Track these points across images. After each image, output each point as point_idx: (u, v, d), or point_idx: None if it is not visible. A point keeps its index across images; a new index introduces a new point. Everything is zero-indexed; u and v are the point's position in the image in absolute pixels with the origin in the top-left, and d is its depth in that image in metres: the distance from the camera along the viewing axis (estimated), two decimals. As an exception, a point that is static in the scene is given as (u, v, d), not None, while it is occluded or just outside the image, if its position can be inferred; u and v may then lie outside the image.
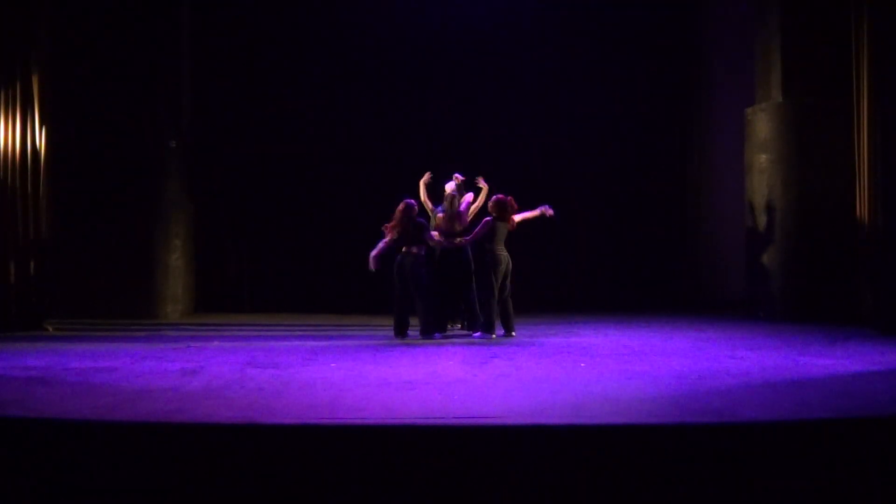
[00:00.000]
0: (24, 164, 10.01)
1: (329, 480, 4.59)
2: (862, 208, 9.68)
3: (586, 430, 4.75)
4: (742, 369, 6.82)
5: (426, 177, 9.87)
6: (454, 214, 9.57)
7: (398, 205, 9.17)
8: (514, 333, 9.32)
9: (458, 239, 9.38)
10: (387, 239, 9.05)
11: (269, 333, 9.87)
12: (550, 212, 9.54)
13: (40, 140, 10.15)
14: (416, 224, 9.14)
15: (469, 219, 9.65)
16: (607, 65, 13.39)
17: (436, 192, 9.99)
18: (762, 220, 11.26)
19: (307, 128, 13.17)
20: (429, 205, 9.78)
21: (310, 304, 12.72)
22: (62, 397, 5.67)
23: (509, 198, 9.25)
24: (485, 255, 9.28)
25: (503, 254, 9.28)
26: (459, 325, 10.01)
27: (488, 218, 9.27)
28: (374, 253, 9.02)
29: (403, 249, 9.17)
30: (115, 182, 11.55)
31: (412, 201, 9.23)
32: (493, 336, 9.16)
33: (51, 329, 9.96)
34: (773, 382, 6.20)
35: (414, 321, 9.33)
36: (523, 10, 13.37)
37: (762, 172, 11.27)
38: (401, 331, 9.18)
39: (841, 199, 10.33)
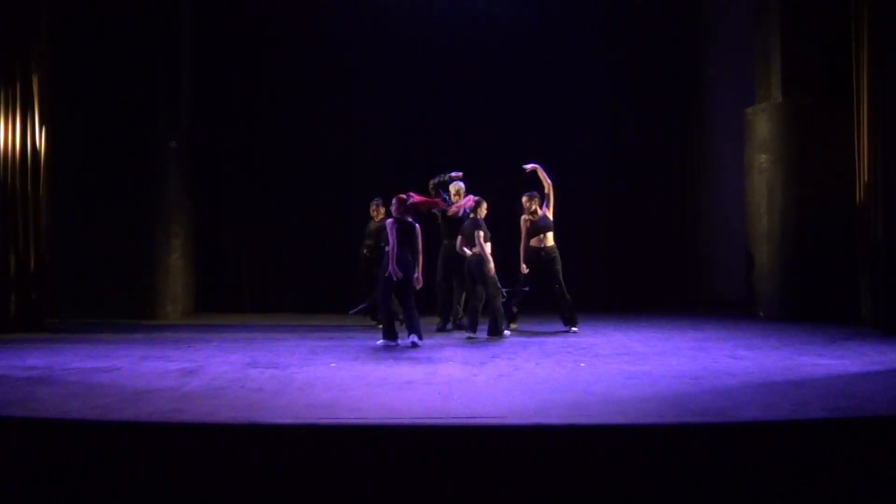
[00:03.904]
0: (24, 164, 10.01)
1: (329, 480, 4.59)
2: (862, 209, 9.67)
3: (586, 430, 4.76)
4: (742, 369, 6.82)
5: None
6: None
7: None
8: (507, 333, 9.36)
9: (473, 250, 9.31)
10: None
11: (269, 333, 9.87)
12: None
13: (40, 140, 10.15)
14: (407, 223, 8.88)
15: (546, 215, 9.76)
16: (607, 64, 13.38)
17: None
18: (762, 220, 11.25)
19: (307, 128, 13.15)
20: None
21: (310, 304, 12.71)
22: (62, 397, 5.67)
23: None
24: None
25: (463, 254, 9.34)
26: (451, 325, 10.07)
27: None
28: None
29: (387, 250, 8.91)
30: (115, 182, 11.54)
31: (403, 196, 9.00)
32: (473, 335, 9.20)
33: (49, 328, 9.95)
34: (773, 382, 6.21)
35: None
36: (523, 9, 13.36)
37: (762, 172, 11.27)
38: (391, 335, 8.92)
39: (841, 200, 10.32)
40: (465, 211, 10.05)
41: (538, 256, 9.70)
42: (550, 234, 9.76)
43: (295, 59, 13.16)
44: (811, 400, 5.51)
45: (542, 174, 9.89)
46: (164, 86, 11.95)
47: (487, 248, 9.25)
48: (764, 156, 11.26)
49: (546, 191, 9.87)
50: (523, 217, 9.84)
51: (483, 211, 9.42)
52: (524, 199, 9.84)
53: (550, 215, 9.82)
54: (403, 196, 8.92)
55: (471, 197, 9.60)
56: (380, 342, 8.77)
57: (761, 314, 11.12)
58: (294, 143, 13.13)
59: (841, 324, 9.84)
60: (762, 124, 11.30)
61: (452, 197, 10.10)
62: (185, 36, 12.50)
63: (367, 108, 13.27)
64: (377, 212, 10.58)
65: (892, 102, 9.21)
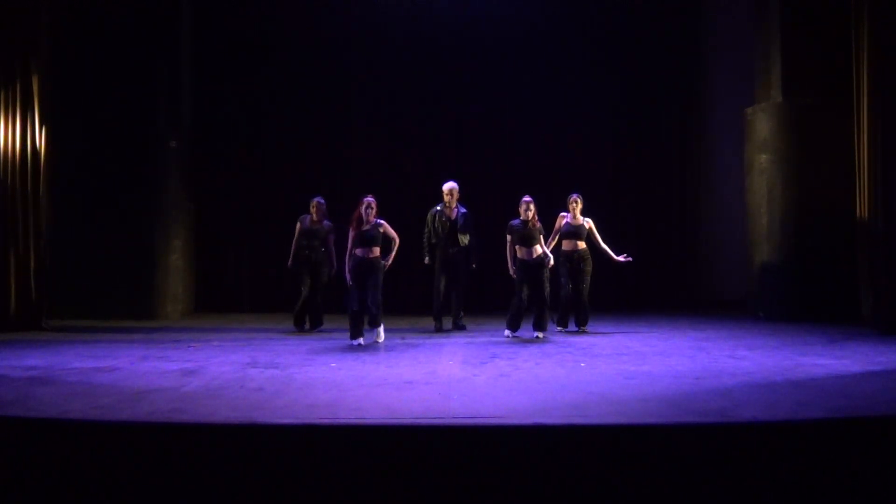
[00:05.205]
0: (24, 164, 10.02)
1: (329, 480, 4.59)
2: (862, 208, 9.67)
3: (586, 430, 4.75)
4: (742, 369, 6.82)
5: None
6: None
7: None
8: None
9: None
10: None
11: (269, 333, 9.87)
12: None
13: (40, 140, 10.15)
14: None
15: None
16: (608, 65, 13.38)
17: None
18: (762, 219, 11.26)
19: (307, 127, 13.16)
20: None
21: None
22: (62, 397, 5.67)
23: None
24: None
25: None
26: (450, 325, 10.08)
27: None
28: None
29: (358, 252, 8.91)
30: (115, 182, 11.55)
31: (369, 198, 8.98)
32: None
33: (49, 329, 9.95)
34: (773, 382, 6.20)
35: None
36: (523, 9, 13.35)
37: (762, 172, 11.28)
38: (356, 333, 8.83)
39: (841, 199, 10.32)
40: (459, 212, 10.05)
41: (570, 258, 9.78)
42: (583, 242, 9.85)
43: (295, 59, 13.16)
44: (811, 400, 5.51)
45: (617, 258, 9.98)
46: (164, 86, 11.95)
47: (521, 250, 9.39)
48: (764, 156, 11.26)
49: (607, 251, 9.95)
50: (564, 216, 9.85)
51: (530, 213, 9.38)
52: (573, 199, 9.81)
53: (586, 225, 9.87)
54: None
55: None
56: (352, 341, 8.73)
57: (761, 314, 11.12)
58: (294, 142, 13.14)
59: (841, 324, 9.84)
60: (762, 124, 11.30)
61: (445, 197, 10.09)
62: (185, 36, 12.50)
63: (368, 107, 13.28)
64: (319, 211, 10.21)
65: (892, 102, 9.21)
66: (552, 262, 9.42)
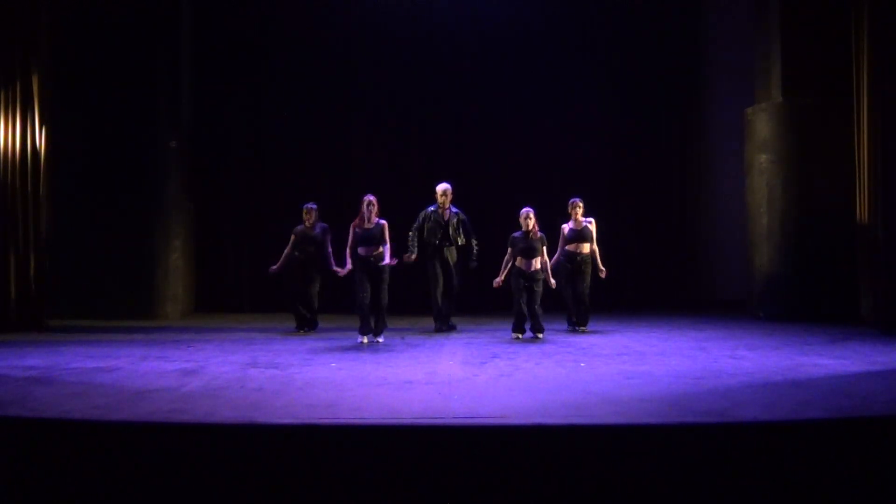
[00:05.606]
0: (24, 164, 10.01)
1: (329, 480, 4.59)
2: (862, 208, 9.68)
3: (586, 430, 4.75)
4: (742, 369, 6.82)
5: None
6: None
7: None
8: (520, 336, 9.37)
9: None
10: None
11: (269, 333, 9.86)
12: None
13: (40, 140, 10.15)
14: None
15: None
16: (608, 65, 13.39)
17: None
18: (762, 220, 11.26)
19: (307, 127, 13.16)
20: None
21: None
22: (62, 397, 5.67)
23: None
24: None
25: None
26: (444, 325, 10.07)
27: None
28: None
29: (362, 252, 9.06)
30: (115, 182, 11.55)
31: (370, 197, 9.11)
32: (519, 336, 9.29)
33: (49, 329, 9.94)
34: (773, 382, 6.21)
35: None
36: (523, 10, 13.36)
37: (762, 172, 11.28)
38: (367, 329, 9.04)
39: (841, 199, 10.32)
40: (451, 212, 10.03)
41: (573, 259, 9.84)
42: (587, 244, 9.89)
43: (295, 58, 13.17)
44: (811, 400, 5.51)
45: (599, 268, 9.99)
46: (164, 86, 11.95)
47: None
48: (764, 156, 11.26)
49: (595, 256, 9.95)
50: (565, 226, 9.93)
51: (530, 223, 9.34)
52: (573, 203, 9.85)
53: (589, 227, 9.91)
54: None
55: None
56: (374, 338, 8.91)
57: (761, 314, 11.12)
58: (294, 142, 13.14)
59: (841, 324, 9.84)
60: (762, 124, 11.30)
61: (439, 198, 10.04)
62: (185, 36, 12.50)
63: (368, 107, 13.29)
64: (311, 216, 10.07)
65: (892, 102, 9.21)
66: (554, 284, 9.49)
